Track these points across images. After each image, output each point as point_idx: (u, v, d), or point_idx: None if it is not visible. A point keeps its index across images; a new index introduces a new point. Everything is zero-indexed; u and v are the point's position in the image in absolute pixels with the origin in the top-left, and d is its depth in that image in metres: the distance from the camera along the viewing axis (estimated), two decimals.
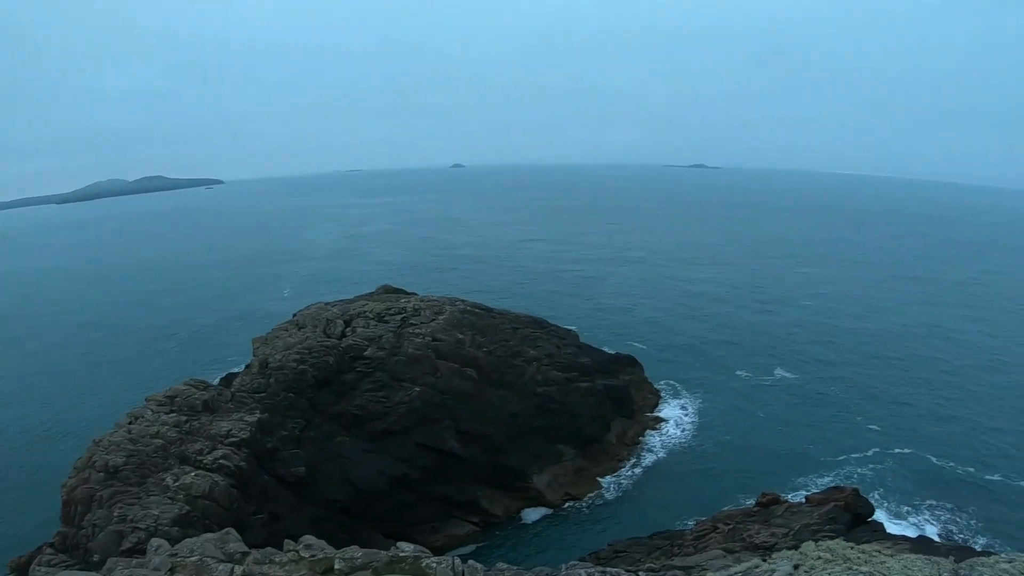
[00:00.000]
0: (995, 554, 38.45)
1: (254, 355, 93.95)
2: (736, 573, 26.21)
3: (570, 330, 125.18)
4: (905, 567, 20.35)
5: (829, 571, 22.00)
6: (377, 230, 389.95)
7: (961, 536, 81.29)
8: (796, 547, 35.90)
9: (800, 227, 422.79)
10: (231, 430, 69.57)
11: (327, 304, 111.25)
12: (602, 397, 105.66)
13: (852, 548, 27.35)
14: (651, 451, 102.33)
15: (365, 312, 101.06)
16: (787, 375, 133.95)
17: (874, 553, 24.30)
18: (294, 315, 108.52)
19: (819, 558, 24.02)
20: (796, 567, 23.53)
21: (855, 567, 21.83)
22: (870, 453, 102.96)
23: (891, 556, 23.32)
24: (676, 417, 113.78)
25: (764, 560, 26.44)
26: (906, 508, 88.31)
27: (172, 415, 71.57)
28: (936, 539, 72.61)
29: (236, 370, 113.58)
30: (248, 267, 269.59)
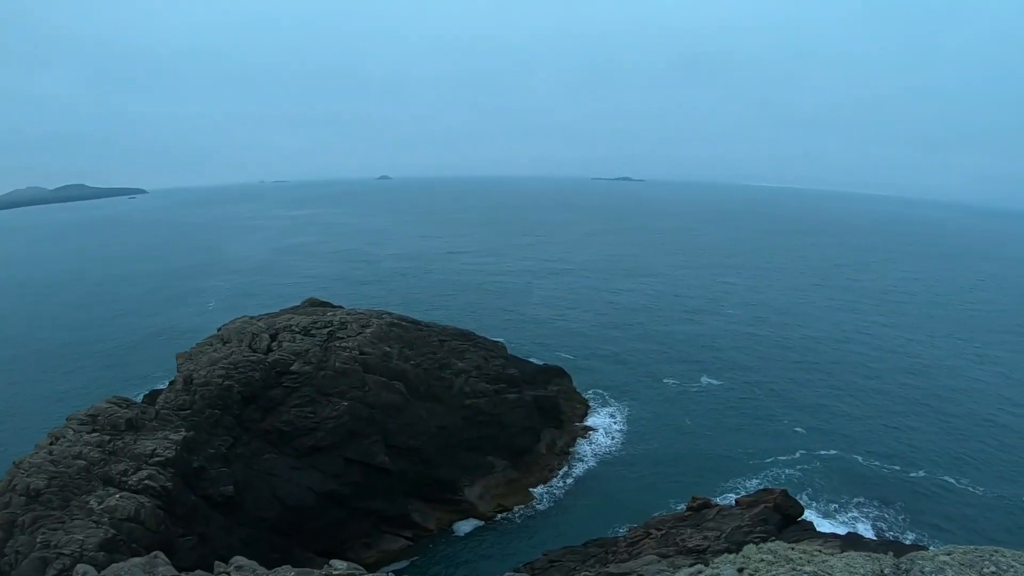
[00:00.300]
0: (926, 548, 39.45)
1: (178, 371, 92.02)
2: None
3: (497, 342, 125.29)
4: (848, 564, 20.80)
5: (773, 572, 22.35)
6: (303, 242, 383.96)
7: (890, 532, 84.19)
8: (736, 550, 36.37)
9: (722, 238, 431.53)
10: (156, 449, 67.90)
11: (252, 318, 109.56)
12: (531, 408, 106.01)
13: (792, 549, 27.82)
14: (582, 460, 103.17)
15: (291, 326, 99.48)
16: (713, 382, 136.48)
17: (815, 553, 24.74)
18: (219, 329, 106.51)
19: (762, 560, 24.39)
20: (740, 570, 23.85)
21: (798, 567, 22.23)
22: (797, 455, 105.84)
23: (832, 555, 23.78)
24: (605, 426, 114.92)
25: (707, 565, 26.73)
26: (834, 507, 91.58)
27: (95, 435, 69.49)
28: (865, 536, 74.45)
29: (160, 387, 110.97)
30: (171, 280, 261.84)
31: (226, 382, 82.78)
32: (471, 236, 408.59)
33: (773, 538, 57.66)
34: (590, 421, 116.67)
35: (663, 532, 69.37)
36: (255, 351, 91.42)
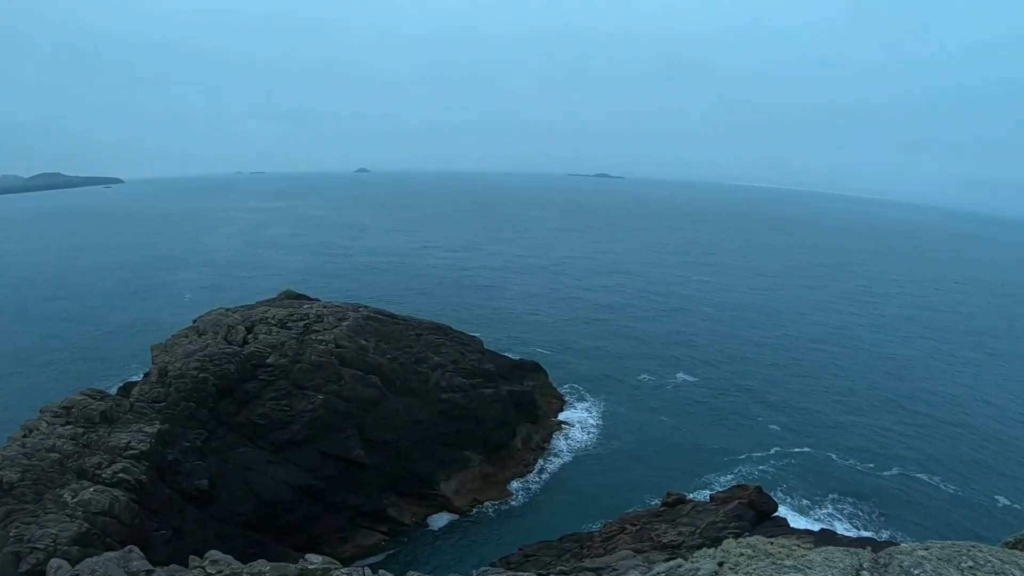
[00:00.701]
0: (899, 544, 39.84)
1: (153, 363, 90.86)
2: (659, 573, 26.48)
3: (474, 336, 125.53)
4: (826, 559, 20.94)
5: (753, 567, 22.42)
6: (279, 234, 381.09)
7: (864, 529, 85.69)
8: (710, 546, 36.51)
9: (698, 236, 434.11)
10: (130, 442, 67.31)
11: (228, 310, 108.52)
12: (507, 403, 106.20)
13: (772, 543, 27.92)
14: (557, 455, 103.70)
15: (267, 318, 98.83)
16: (688, 378, 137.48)
17: (793, 547, 24.81)
18: (194, 321, 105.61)
19: (741, 555, 24.44)
20: (720, 564, 23.92)
21: (778, 561, 22.31)
22: (771, 452, 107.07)
23: (810, 549, 23.87)
24: (581, 421, 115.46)
25: (686, 559, 26.80)
26: (808, 503, 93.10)
27: (68, 427, 68.67)
28: (839, 532, 75.15)
29: (135, 379, 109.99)
30: (147, 271, 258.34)
31: (201, 374, 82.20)
32: (448, 231, 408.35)
33: (747, 534, 58.05)
34: (566, 416, 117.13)
35: (638, 527, 69.71)
36: (231, 343, 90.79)
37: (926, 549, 19.64)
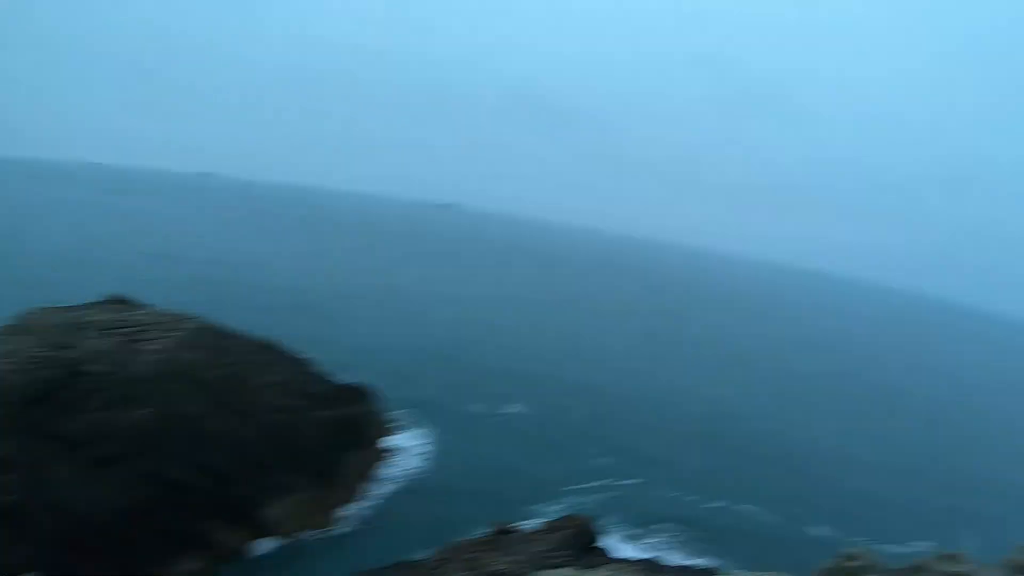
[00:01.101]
0: (722, 572, 41.16)
1: None
2: None
3: (303, 358, 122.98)
4: None
5: None
6: (111, 232, 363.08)
7: (688, 557, 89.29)
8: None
9: (536, 272, 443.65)
10: None
11: (48, 310, 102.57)
12: (335, 427, 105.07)
13: (585, 573, 28.46)
14: (386, 482, 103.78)
15: (91, 323, 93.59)
16: (521, 409, 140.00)
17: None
18: (12, 320, 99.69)
19: None
20: None
21: None
22: (601, 483, 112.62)
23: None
24: (411, 447, 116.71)
25: None
26: (636, 533, 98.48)
27: None
28: (663, 561, 77.96)
29: None
30: None
31: (12, 379, 77.41)
32: (288, 246, 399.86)
33: (567, 565, 59.22)
34: (395, 442, 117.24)
35: (467, 556, 70.10)
36: (49, 347, 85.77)
37: None
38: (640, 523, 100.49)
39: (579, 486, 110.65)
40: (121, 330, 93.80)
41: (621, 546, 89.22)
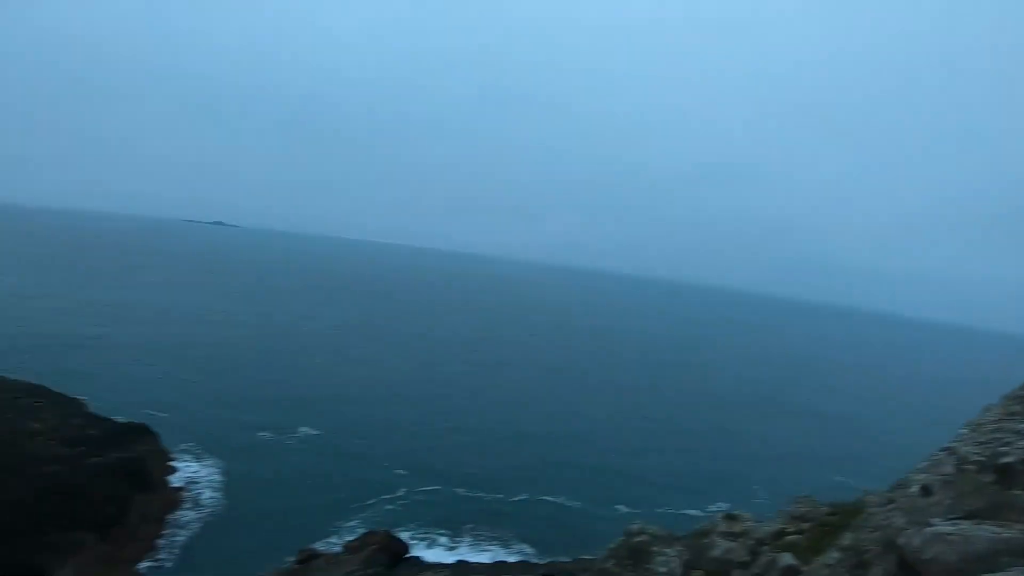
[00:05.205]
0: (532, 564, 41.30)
1: None
2: None
3: (75, 398, 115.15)
4: None
5: None
6: None
7: (498, 554, 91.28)
8: None
9: (299, 286, 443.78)
10: None
11: None
12: (117, 472, 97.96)
13: None
14: (180, 525, 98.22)
15: None
16: (311, 431, 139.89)
17: None
18: None
19: None
20: None
21: None
22: (400, 493, 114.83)
23: None
24: (201, 485, 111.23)
25: None
26: (442, 539, 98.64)
27: None
28: (472, 561, 78.99)
29: None
30: None
31: None
32: (46, 278, 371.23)
33: None
34: (184, 481, 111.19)
35: None
36: None
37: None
38: (447, 527, 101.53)
39: (379, 498, 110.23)
40: None
41: (430, 553, 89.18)
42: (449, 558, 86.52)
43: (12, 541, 79.03)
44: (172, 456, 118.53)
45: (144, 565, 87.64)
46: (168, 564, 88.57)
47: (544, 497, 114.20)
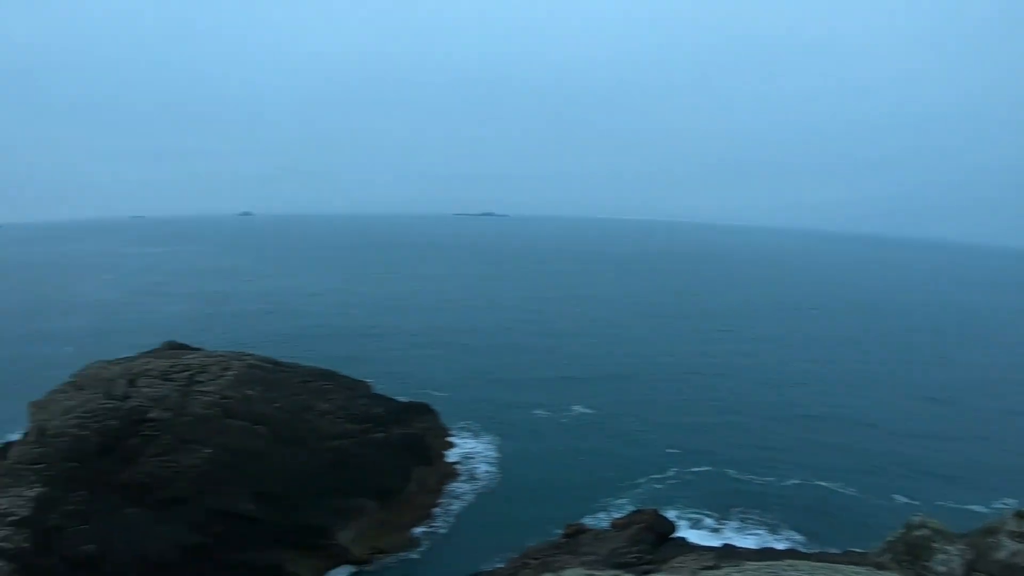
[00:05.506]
0: (799, 553, 40.80)
1: (31, 421, 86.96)
2: None
3: (361, 381, 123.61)
4: None
5: None
6: (159, 281, 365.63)
7: (765, 541, 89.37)
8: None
9: (577, 269, 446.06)
10: (9, 507, 64.32)
11: (107, 363, 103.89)
12: (399, 446, 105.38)
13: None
14: (455, 496, 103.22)
15: (149, 370, 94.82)
16: (584, 410, 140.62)
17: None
18: (72, 376, 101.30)
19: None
20: None
21: None
22: (669, 473, 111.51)
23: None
24: (476, 460, 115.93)
25: None
26: (710, 521, 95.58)
27: None
28: (739, 546, 77.35)
29: (13, 438, 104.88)
30: (18, 323, 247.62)
31: (81, 432, 78.73)
32: (334, 275, 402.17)
33: (641, 562, 59.17)
34: (460, 456, 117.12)
35: (539, 561, 70.19)
36: (111, 398, 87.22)
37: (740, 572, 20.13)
38: (714, 510, 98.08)
39: (649, 478, 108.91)
40: (177, 375, 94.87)
41: (696, 535, 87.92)
42: (715, 541, 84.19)
43: (303, 504, 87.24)
44: (451, 433, 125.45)
45: (419, 530, 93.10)
46: (442, 531, 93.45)
47: (818, 482, 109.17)
